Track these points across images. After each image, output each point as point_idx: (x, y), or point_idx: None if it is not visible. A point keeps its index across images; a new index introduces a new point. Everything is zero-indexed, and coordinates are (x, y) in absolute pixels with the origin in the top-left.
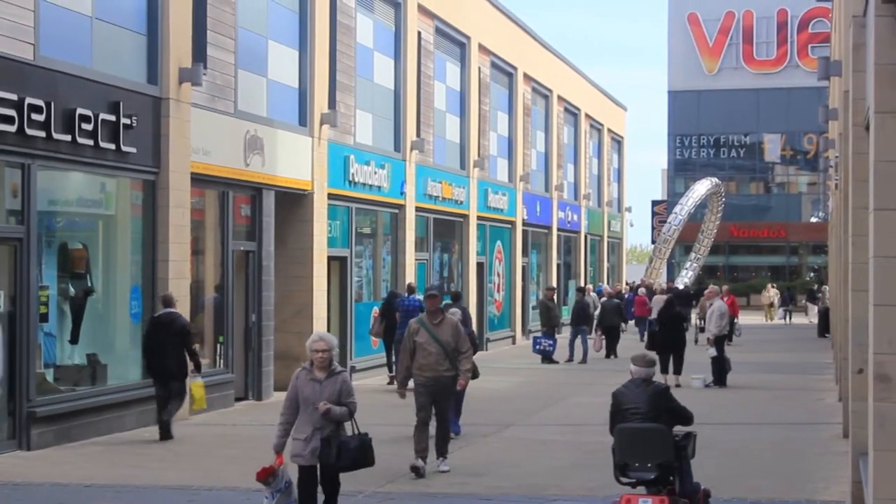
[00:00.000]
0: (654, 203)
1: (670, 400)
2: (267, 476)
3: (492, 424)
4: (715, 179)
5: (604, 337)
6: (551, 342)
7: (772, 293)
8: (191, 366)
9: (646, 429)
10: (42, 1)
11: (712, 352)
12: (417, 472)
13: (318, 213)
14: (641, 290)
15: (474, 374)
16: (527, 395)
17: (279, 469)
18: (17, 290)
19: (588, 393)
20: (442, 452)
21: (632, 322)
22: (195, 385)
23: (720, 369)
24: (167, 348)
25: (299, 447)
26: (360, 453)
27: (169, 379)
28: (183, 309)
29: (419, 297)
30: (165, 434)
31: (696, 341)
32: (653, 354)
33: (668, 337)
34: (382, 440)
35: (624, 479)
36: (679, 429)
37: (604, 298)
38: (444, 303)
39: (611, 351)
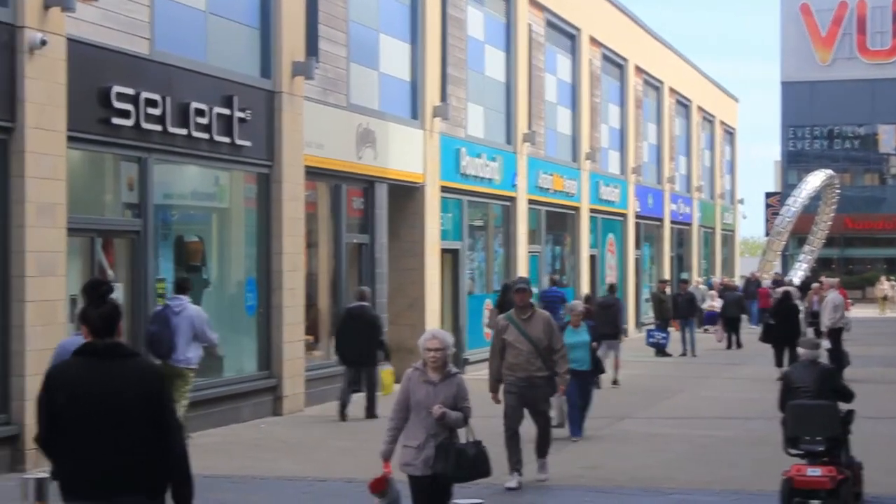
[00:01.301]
0: (768, 195)
1: (836, 379)
2: (382, 488)
3: (605, 417)
4: (829, 171)
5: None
6: (664, 335)
7: (886, 286)
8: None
9: (817, 405)
10: None
11: (826, 344)
12: (514, 490)
13: (430, 206)
14: (765, 282)
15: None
16: (640, 388)
17: (391, 479)
18: (135, 283)
19: (701, 387)
20: (542, 453)
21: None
22: (385, 372)
23: (836, 362)
24: (358, 338)
25: (410, 455)
26: (480, 463)
27: (361, 366)
28: (297, 301)
29: (558, 290)
30: (371, 414)
31: (804, 334)
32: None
33: (782, 330)
34: (496, 434)
35: (793, 451)
36: (842, 406)
37: (712, 291)
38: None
39: (733, 343)
